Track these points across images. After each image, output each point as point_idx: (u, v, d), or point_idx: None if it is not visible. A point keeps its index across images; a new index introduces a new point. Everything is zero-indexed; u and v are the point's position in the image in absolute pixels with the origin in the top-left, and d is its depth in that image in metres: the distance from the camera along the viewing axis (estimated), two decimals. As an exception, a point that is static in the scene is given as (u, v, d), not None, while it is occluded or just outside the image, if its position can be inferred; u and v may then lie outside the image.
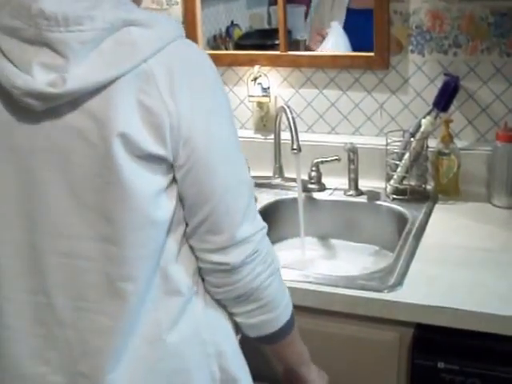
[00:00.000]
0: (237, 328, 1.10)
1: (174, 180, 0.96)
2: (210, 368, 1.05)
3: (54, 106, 0.89)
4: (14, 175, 0.95)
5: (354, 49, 1.94)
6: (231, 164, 0.99)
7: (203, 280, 1.04)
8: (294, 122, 1.69)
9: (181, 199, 0.97)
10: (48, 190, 0.93)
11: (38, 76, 0.87)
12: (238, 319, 1.07)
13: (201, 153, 0.94)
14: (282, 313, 1.08)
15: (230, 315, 1.08)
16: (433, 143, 1.77)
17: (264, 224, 1.04)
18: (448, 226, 1.61)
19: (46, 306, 0.98)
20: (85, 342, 0.97)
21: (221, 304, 1.06)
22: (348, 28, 1.99)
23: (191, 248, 1.01)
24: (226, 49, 2.12)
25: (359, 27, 1.98)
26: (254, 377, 1.15)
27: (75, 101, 0.89)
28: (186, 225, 1.00)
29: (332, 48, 1.98)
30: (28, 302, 0.99)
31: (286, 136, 1.78)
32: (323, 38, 2.00)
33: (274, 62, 1.94)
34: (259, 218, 1.04)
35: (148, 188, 0.92)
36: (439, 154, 1.76)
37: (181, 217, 0.99)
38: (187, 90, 0.92)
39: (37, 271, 0.97)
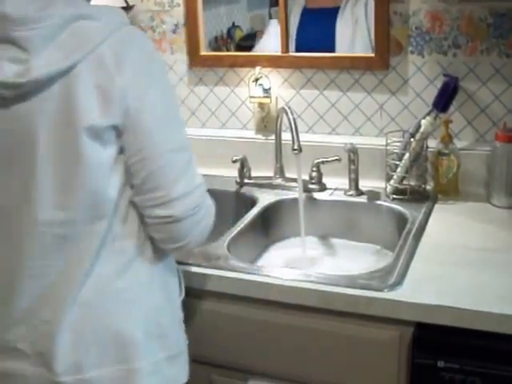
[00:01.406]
0: (180, 289, 1.30)
1: (121, 149, 1.11)
2: (147, 322, 1.18)
3: (23, 94, 1.05)
4: None
5: (311, 49, 1.93)
6: (169, 128, 1.14)
7: (152, 242, 1.19)
8: (295, 123, 1.69)
9: (127, 162, 1.12)
10: (20, 164, 1.10)
11: (7, 69, 1.04)
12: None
13: (140, 118, 1.09)
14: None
15: (175, 279, 1.28)
16: (432, 143, 1.78)
17: (201, 181, 1.19)
18: (448, 226, 1.62)
19: (15, 261, 1.14)
20: (45, 291, 1.13)
21: (166, 266, 1.24)
22: (304, 28, 1.99)
23: (137, 207, 1.15)
24: (228, 50, 2.13)
25: (315, 27, 1.99)
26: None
27: (41, 87, 1.05)
28: (132, 186, 1.14)
29: (264, 47, 2.03)
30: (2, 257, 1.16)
31: (286, 136, 1.78)
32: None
33: (275, 63, 1.95)
34: (198, 175, 1.18)
35: (103, 160, 1.09)
36: (439, 154, 1.77)
37: (127, 182, 1.14)
38: (130, 66, 1.07)
39: (11, 233, 1.14)
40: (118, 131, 1.09)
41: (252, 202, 1.82)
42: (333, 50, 1.93)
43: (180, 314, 1.29)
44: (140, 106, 1.08)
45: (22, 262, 1.13)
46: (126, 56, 1.07)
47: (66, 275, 1.13)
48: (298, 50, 1.97)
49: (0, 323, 1.17)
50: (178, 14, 2.03)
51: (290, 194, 1.83)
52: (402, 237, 1.56)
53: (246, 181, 1.93)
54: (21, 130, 1.08)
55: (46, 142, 1.07)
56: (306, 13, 1.99)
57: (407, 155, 1.75)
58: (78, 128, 1.05)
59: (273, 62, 1.95)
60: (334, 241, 1.80)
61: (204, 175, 1.74)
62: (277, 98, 1.98)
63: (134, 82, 1.08)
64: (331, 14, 1.95)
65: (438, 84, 1.77)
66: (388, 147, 1.79)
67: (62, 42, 1.04)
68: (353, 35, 1.87)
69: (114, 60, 1.06)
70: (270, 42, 1.99)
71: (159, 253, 1.21)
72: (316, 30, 1.98)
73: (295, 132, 1.68)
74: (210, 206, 1.21)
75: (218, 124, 2.08)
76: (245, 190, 1.92)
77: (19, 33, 1.03)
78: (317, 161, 1.84)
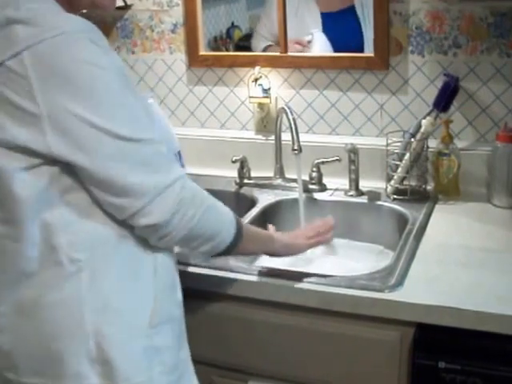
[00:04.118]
0: (152, 317, 1.14)
1: (45, 162, 1.04)
2: (87, 345, 1.10)
3: None
4: None
5: (342, 51, 1.91)
6: (107, 145, 1.04)
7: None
8: (295, 123, 1.69)
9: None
10: None
11: None
12: (187, 251, 1.18)
13: (64, 139, 1.02)
14: (225, 236, 1.20)
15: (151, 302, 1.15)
16: (433, 144, 1.77)
17: (179, 173, 1.10)
18: (448, 226, 1.61)
19: None
20: None
21: (132, 289, 1.13)
22: (330, 31, 1.98)
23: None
24: (227, 50, 2.12)
25: (341, 29, 1.99)
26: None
27: None
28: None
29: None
30: None
31: (286, 137, 1.78)
32: (303, 46, 1.98)
33: (275, 63, 1.95)
34: (174, 168, 1.11)
35: (7, 165, 1.03)
36: (439, 154, 1.76)
37: (65, 192, 1.07)
38: (48, 76, 1.00)
39: None
40: (32, 149, 1.03)
41: (252, 203, 1.82)
42: (362, 50, 1.92)
43: (143, 342, 1.14)
44: (60, 126, 1.02)
45: None
46: (47, 68, 1.00)
47: (5, 277, 1.12)
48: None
49: None
50: (177, 13, 2.02)
51: (290, 195, 1.83)
52: (403, 237, 1.55)
53: (245, 181, 1.93)
54: None
55: None
56: (326, 17, 1.99)
57: (408, 155, 1.75)
58: None
59: (272, 61, 1.95)
60: (335, 241, 1.79)
61: (204, 175, 1.73)
62: (276, 98, 1.98)
63: (51, 97, 1.01)
64: (350, 15, 1.95)
65: (439, 84, 1.77)
66: (388, 147, 1.78)
67: None
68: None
69: (32, 71, 1.00)
70: (323, 50, 1.97)
71: (122, 277, 1.12)
72: (343, 32, 1.98)
73: (295, 132, 1.68)
74: (189, 198, 1.11)
75: (217, 124, 2.07)
76: (244, 190, 1.91)
77: None
78: (317, 161, 1.84)
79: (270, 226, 1.51)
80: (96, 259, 1.10)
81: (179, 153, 1.25)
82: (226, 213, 1.22)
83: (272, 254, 1.39)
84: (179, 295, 1.23)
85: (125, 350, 1.12)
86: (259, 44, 2.06)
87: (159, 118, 1.34)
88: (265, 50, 2.04)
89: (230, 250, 1.22)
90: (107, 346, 1.10)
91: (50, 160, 1.04)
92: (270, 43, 2.04)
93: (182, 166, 1.26)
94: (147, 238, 1.13)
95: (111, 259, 1.11)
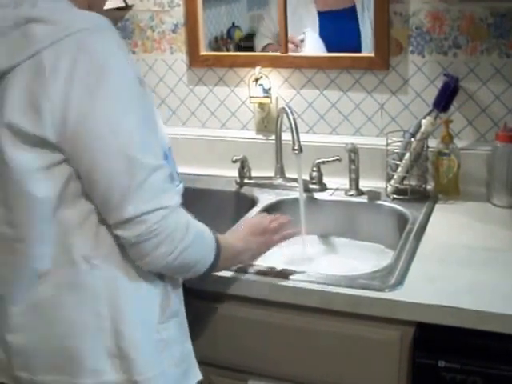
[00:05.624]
0: (163, 312, 1.18)
1: (63, 160, 1.05)
2: (105, 342, 1.13)
3: None
4: None
5: (337, 51, 1.92)
6: (117, 149, 1.04)
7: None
8: (295, 123, 1.70)
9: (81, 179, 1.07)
10: None
11: None
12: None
13: (83, 140, 1.02)
14: (202, 264, 1.20)
15: (161, 299, 1.18)
16: (433, 143, 1.78)
17: (166, 203, 1.07)
18: (448, 226, 1.62)
19: None
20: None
21: (144, 285, 1.15)
22: (326, 30, 1.99)
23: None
24: (227, 50, 2.13)
25: (338, 28, 1.99)
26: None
27: None
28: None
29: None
30: None
31: (287, 137, 1.78)
32: (296, 45, 1.99)
33: (275, 63, 1.95)
34: (164, 198, 1.08)
35: (27, 163, 1.04)
36: (439, 154, 1.77)
37: (81, 193, 1.08)
38: (73, 79, 1.00)
39: None
40: (53, 146, 1.03)
41: (252, 202, 1.83)
42: (359, 51, 1.93)
43: (157, 336, 1.18)
44: (80, 126, 1.02)
45: None
46: (67, 66, 1.00)
47: (13, 274, 1.13)
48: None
49: None
50: (178, 13, 2.02)
51: (291, 194, 1.83)
52: (403, 237, 1.56)
53: (246, 181, 1.93)
54: None
55: None
56: (324, 16, 1.99)
57: (408, 155, 1.76)
58: (2, 127, 1.03)
59: (273, 62, 1.95)
60: (335, 240, 1.80)
61: (204, 175, 1.73)
62: (277, 98, 1.98)
63: (73, 97, 1.00)
64: (350, 15, 1.95)
65: (439, 84, 1.77)
66: (388, 147, 1.79)
67: (7, 43, 1.03)
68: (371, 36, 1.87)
69: (53, 69, 1.00)
70: (315, 49, 1.98)
71: (131, 272, 1.14)
72: (340, 32, 1.98)
73: (295, 132, 1.68)
74: (172, 231, 1.09)
75: (217, 124, 2.08)
76: (245, 190, 1.92)
77: None
78: (317, 161, 1.84)
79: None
80: (109, 257, 1.12)
81: (170, 149, 1.25)
82: (208, 240, 1.21)
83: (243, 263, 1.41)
84: (181, 290, 1.26)
85: (140, 344, 1.15)
86: (260, 43, 2.07)
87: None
88: (265, 48, 2.05)
89: (207, 273, 1.23)
90: (124, 341, 1.13)
91: (65, 159, 1.05)
92: (270, 42, 2.04)
93: (173, 161, 1.26)
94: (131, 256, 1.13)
95: (123, 256, 1.13)
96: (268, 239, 1.41)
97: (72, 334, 1.13)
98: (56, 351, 1.14)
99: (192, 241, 1.13)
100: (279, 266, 1.47)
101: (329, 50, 1.95)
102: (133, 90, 1.06)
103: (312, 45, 1.98)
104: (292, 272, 1.43)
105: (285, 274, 1.41)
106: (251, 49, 2.08)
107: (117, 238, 1.10)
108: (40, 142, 1.03)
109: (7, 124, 1.03)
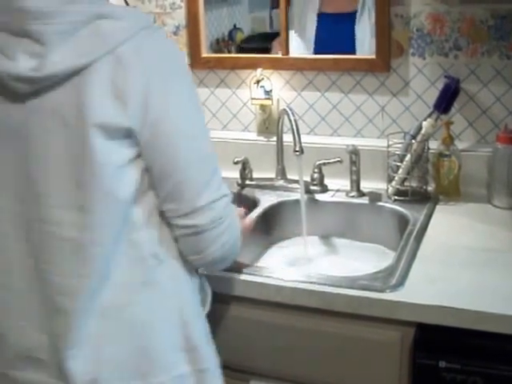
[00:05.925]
0: (204, 302, 1.25)
1: (139, 154, 1.07)
2: (176, 336, 1.15)
3: (36, 89, 1.03)
4: (11, 151, 1.09)
5: (331, 53, 1.92)
6: (193, 139, 1.10)
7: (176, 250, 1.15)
8: (297, 125, 1.70)
9: (149, 172, 1.09)
10: (34, 163, 1.07)
11: (22, 62, 1.02)
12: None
13: (162, 128, 1.06)
14: (236, 255, 1.24)
15: (200, 288, 1.23)
16: (434, 145, 1.78)
17: (227, 192, 1.15)
18: (449, 227, 1.62)
19: (36, 270, 1.10)
20: (53, 302, 1.09)
21: (191, 275, 1.19)
22: (323, 32, 2.00)
23: (164, 216, 1.12)
24: (229, 52, 2.13)
25: (335, 31, 1.99)
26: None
27: (54, 84, 1.02)
28: (156, 195, 1.11)
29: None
30: (26, 266, 1.11)
31: (288, 138, 1.79)
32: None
33: (276, 65, 1.96)
34: (224, 187, 1.15)
35: (114, 160, 1.05)
36: (440, 155, 1.77)
37: (147, 188, 1.10)
38: (153, 71, 1.05)
39: (25, 237, 1.10)
40: (135, 137, 1.05)
41: (253, 204, 1.83)
42: (353, 54, 1.94)
43: (207, 327, 1.24)
44: (161, 114, 1.05)
45: (38, 266, 1.10)
46: (147, 59, 1.04)
47: (82, 283, 1.08)
48: (316, 53, 1.98)
49: (21, 330, 1.13)
50: (180, 15, 2.03)
51: (292, 196, 1.84)
52: (404, 238, 1.56)
53: (247, 182, 1.94)
54: (33, 127, 1.05)
55: (57, 140, 1.04)
56: (324, 17, 2.00)
57: (408, 157, 1.76)
58: (90, 125, 1.02)
59: (274, 63, 1.96)
60: (336, 241, 1.80)
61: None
62: (278, 99, 1.98)
63: (154, 87, 1.04)
64: (349, 19, 1.95)
65: (439, 86, 1.78)
66: (389, 149, 1.79)
67: (81, 40, 1.02)
68: (371, 39, 1.87)
69: (134, 62, 1.03)
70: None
71: (185, 263, 1.17)
72: (336, 34, 1.99)
73: (297, 134, 1.69)
74: (233, 220, 1.17)
75: (219, 126, 2.08)
76: (246, 191, 1.92)
77: (35, 26, 1.01)
78: (318, 162, 1.85)
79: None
80: (170, 251, 1.15)
81: None
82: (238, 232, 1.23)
83: None
84: None
85: (202, 333, 1.20)
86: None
87: None
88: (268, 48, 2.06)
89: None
90: (191, 332, 1.16)
91: (139, 153, 1.07)
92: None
93: None
94: (185, 255, 1.16)
95: (177, 252, 1.16)
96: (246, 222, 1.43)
97: (146, 333, 1.12)
98: (130, 355, 1.11)
99: (239, 236, 1.20)
100: (281, 268, 1.48)
101: (325, 52, 1.95)
102: (193, 83, 1.15)
103: (293, 47, 1.98)
104: (293, 272, 1.42)
105: (286, 275, 1.42)
106: (252, 50, 2.08)
107: (175, 231, 1.13)
108: (125, 134, 1.04)
109: (98, 125, 1.02)
